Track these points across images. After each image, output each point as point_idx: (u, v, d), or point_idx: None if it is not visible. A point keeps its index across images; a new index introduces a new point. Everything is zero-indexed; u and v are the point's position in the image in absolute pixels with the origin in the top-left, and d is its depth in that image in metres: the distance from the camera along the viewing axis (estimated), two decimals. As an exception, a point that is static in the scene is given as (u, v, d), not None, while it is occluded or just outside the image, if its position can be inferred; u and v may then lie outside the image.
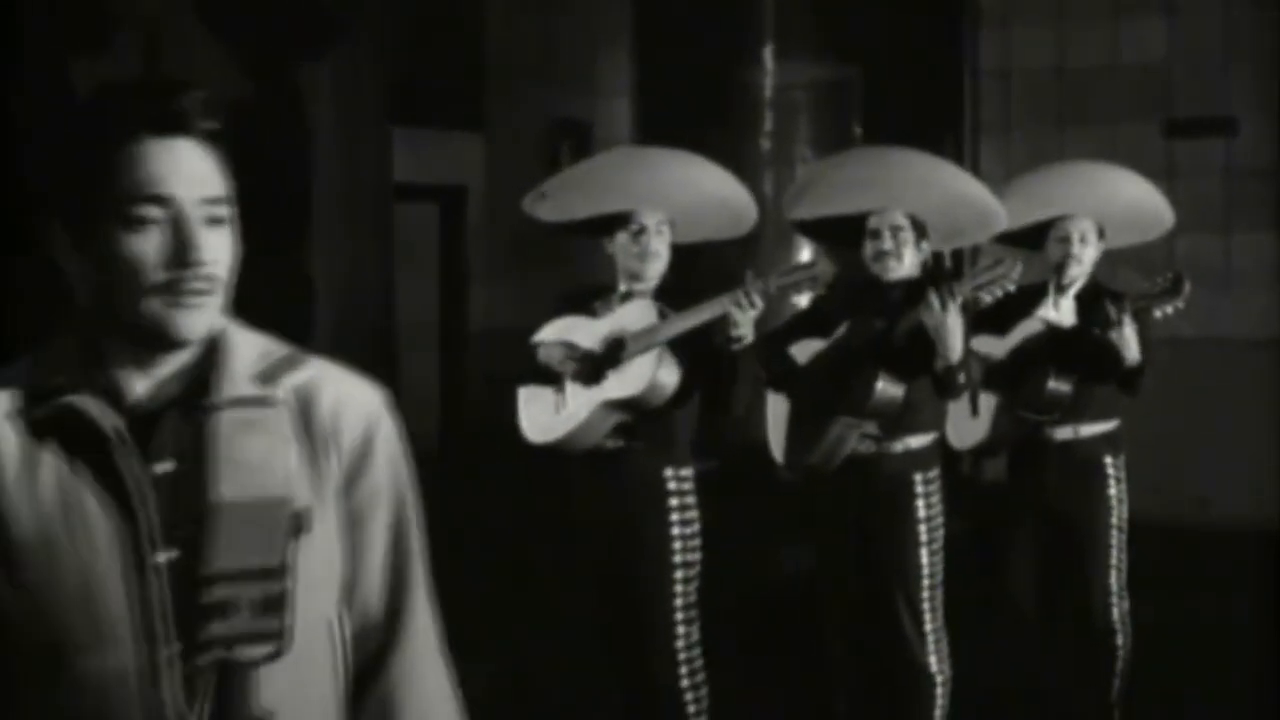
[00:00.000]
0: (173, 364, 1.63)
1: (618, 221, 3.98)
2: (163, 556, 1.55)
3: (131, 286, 1.56)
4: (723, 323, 3.77)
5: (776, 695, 5.07)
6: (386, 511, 1.70)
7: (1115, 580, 4.58)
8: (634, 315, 3.91)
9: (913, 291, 4.17)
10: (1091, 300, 4.49)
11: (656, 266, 3.99)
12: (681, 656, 3.93)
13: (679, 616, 3.93)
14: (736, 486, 5.92)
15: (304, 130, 8.23)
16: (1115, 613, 4.57)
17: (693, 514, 3.96)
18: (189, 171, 1.58)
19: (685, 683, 3.93)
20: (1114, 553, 4.58)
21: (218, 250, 1.59)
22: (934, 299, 3.97)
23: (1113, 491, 4.58)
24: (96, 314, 1.62)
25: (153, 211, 1.56)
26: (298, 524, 1.53)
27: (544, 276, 8.63)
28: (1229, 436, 7.74)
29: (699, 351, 3.86)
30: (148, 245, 1.56)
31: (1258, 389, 7.75)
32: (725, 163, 4.29)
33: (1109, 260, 4.78)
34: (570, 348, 3.95)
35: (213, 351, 1.63)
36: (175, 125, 1.58)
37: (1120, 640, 4.57)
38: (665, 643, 3.91)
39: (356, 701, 1.69)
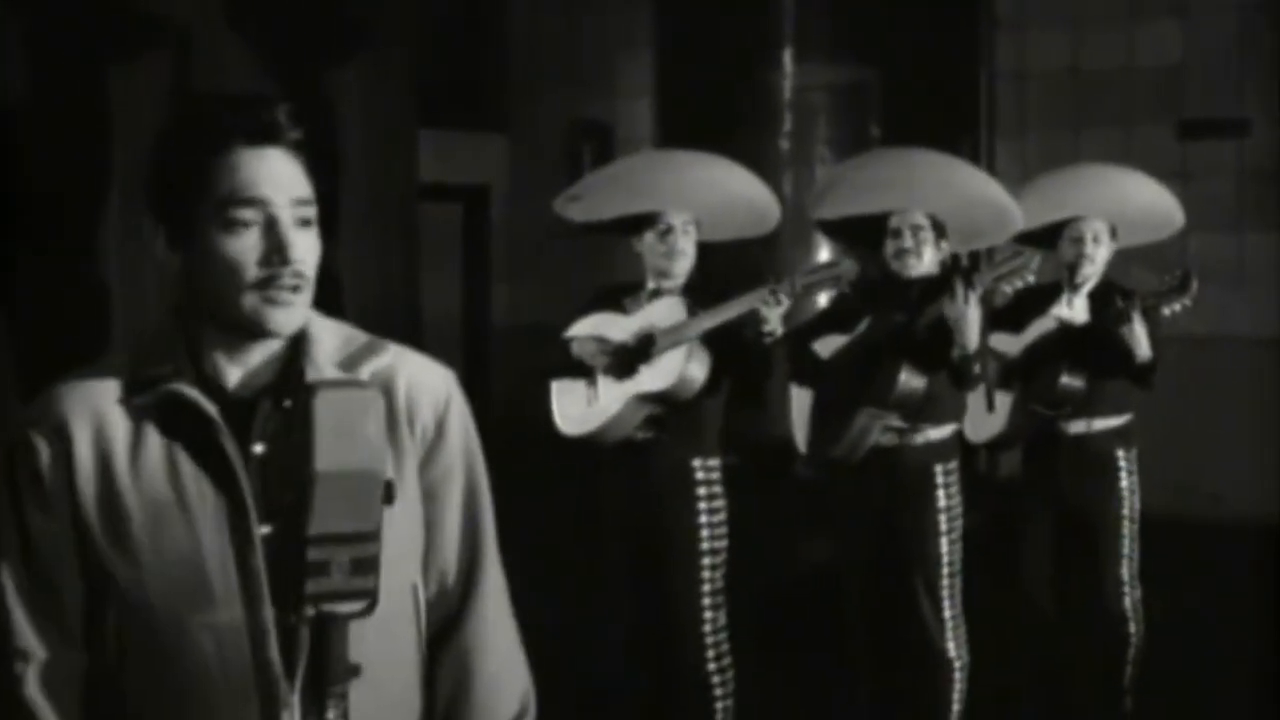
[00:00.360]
0: (263, 353, 1.78)
1: (646, 221, 4.12)
2: (262, 529, 1.71)
3: (230, 284, 1.71)
4: (753, 318, 3.91)
5: (799, 680, 5.16)
6: (459, 486, 1.85)
7: (1127, 570, 4.68)
8: (663, 311, 4.04)
9: (933, 287, 4.28)
10: (1104, 298, 4.59)
11: (683, 264, 4.13)
12: (709, 641, 4.07)
13: (706, 602, 4.07)
14: (755, 481, 6.03)
15: (332, 132, 8.36)
16: (1127, 601, 4.67)
17: (720, 503, 4.10)
18: (280, 177, 1.73)
19: (712, 666, 4.07)
20: (1126, 543, 4.68)
21: (307, 249, 1.74)
22: (958, 289, 4.10)
23: (1125, 484, 4.68)
24: (194, 308, 1.77)
25: (248, 214, 1.71)
26: (387, 494, 1.68)
27: (564, 274, 8.75)
28: (1241, 433, 7.78)
29: (730, 346, 4.00)
30: (244, 246, 1.71)
31: (1269, 386, 7.80)
32: (745, 163, 4.41)
33: (1123, 259, 4.86)
34: (602, 342, 4.09)
35: (300, 341, 1.78)
36: (267, 135, 1.73)
37: (1132, 628, 4.67)
38: (693, 627, 4.05)
39: (434, 659, 1.85)
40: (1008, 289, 4.26)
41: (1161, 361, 4.51)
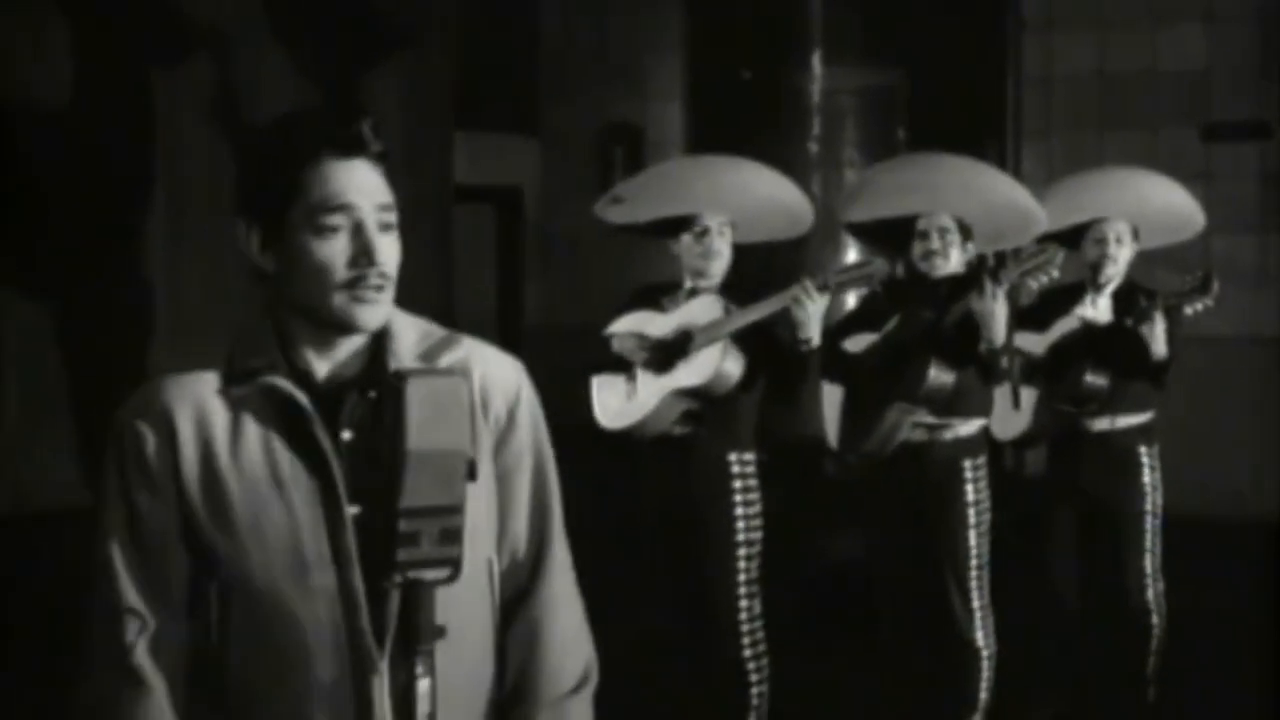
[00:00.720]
0: (349, 348, 1.94)
1: (683, 224, 4.25)
2: (351, 509, 1.86)
3: (320, 283, 1.87)
4: (790, 323, 4.03)
5: (831, 669, 5.27)
6: (529, 469, 2.01)
7: (1149, 563, 4.75)
8: (700, 309, 4.17)
9: (959, 285, 4.38)
10: (1127, 298, 4.68)
11: (719, 265, 4.25)
12: (744, 629, 4.18)
13: (742, 591, 4.18)
14: (785, 478, 6.12)
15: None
16: (1150, 594, 4.74)
17: (755, 495, 4.22)
18: (365, 185, 1.88)
19: (748, 653, 4.19)
20: (1148, 537, 4.75)
21: (389, 252, 1.89)
22: (985, 286, 4.20)
23: (1147, 479, 4.76)
24: (286, 305, 1.93)
25: (337, 220, 1.87)
26: (470, 471, 1.83)
27: (595, 274, 8.87)
28: (1265, 432, 7.85)
29: (768, 349, 4.12)
30: (334, 249, 1.86)
31: (1292, 386, 7.89)
32: (774, 165, 4.52)
33: (1147, 260, 4.94)
34: (642, 338, 4.22)
35: (383, 336, 1.94)
36: (354, 148, 1.88)
37: (1155, 620, 4.75)
38: (729, 615, 4.16)
39: (506, 627, 2.00)
40: (1033, 284, 4.36)
41: (1181, 361, 4.58)
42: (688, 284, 4.28)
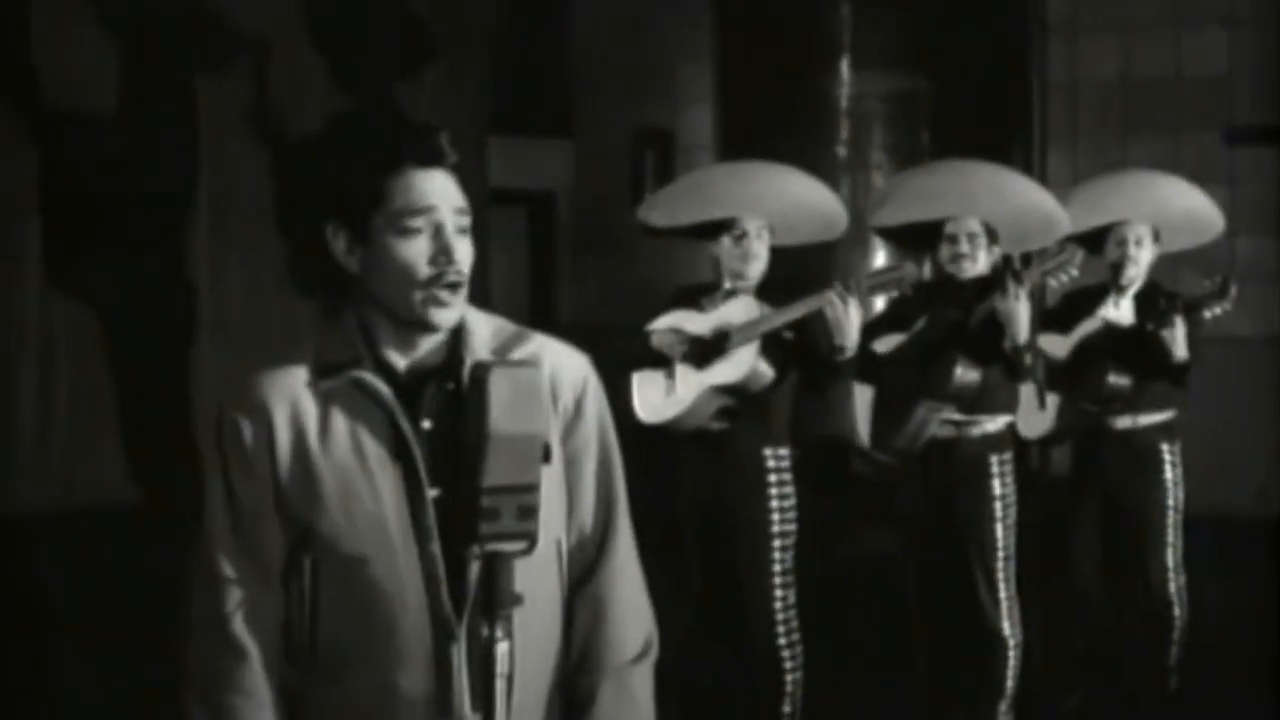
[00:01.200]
0: (429, 343, 2.11)
1: (722, 227, 4.39)
2: (431, 491, 2.03)
3: (402, 282, 2.04)
4: (825, 326, 4.18)
5: (861, 660, 5.40)
6: (595, 454, 2.18)
7: (1172, 557, 4.86)
8: (738, 309, 4.31)
9: (985, 285, 4.51)
10: (1149, 300, 4.78)
11: (757, 267, 4.39)
12: (779, 617, 4.33)
13: (776, 581, 4.33)
14: (815, 474, 6.24)
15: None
16: (1172, 586, 4.86)
17: (789, 489, 4.36)
18: (444, 191, 2.06)
19: (782, 640, 4.34)
20: (1170, 532, 4.86)
21: (465, 253, 2.07)
22: (1009, 286, 4.32)
23: (1169, 476, 4.86)
24: (371, 303, 2.10)
25: (419, 222, 2.04)
26: (545, 453, 1.99)
27: (626, 276, 9.01)
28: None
29: (802, 350, 4.27)
30: (416, 249, 2.04)
31: (1314, 385, 7.96)
32: (802, 169, 4.66)
33: (1172, 263, 5.05)
34: (680, 334, 4.38)
35: (459, 331, 2.11)
36: (433, 159, 2.06)
37: (1177, 611, 4.86)
38: (764, 604, 4.32)
39: (573, 600, 2.18)
40: (1054, 283, 4.50)
41: (1203, 361, 4.67)
42: (726, 285, 4.42)
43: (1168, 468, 4.89)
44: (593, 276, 9.83)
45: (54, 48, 7.90)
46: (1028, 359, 4.38)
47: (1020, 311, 4.32)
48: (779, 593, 4.33)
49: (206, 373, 8.48)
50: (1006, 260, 4.75)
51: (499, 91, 9.36)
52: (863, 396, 4.75)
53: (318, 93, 8.79)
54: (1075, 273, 4.47)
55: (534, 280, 10.01)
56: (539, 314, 9.71)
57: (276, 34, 8.66)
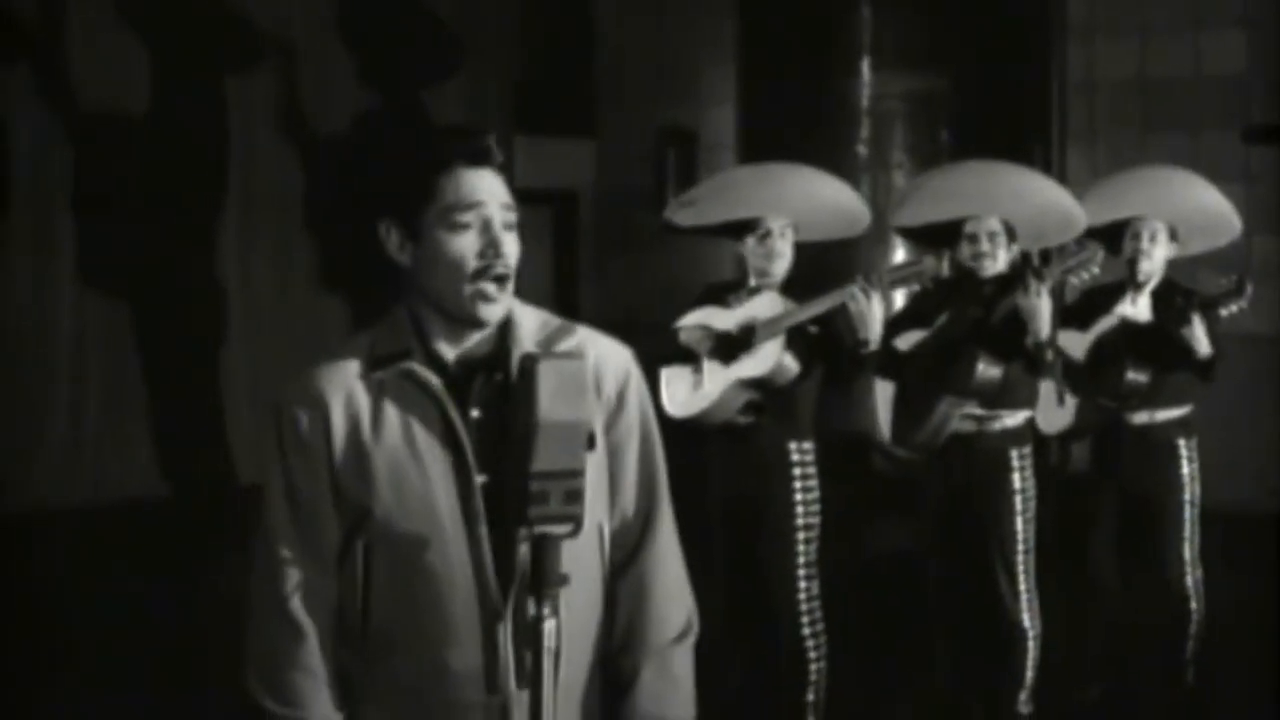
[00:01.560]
0: (477, 336, 2.21)
1: (747, 226, 4.48)
2: (480, 479, 2.14)
3: (452, 276, 2.14)
4: (848, 321, 4.27)
5: (883, 652, 5.48)
6: (637, 444, 2.28)
7: (1188, 551, 4.91)
8: (763, 306, 4.40)
9: (1005, 282, 4.57)
10: (1166, 298, 4.83)
11: (782, 265, 4.48)
12: (803, 608, 4.42)
13: (801, 572, 4.41)
14: (836, 469, 6.29)
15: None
16: (1189, 580, 4.91)
17: (813, 482, 4.45)
18: (493, 188, 2.16)
19: (807, 631, 4.42)
20: (1187, 526, 4.91)
21: (513, 247, 2.17)
22: (1030, 283, 4.40)
23: (1185, 470, 4.90)
24: (422, 296, 2.20)
25: (468, 217, 2.14)
26: (590, 441, 2.09)
27: (648, 274, 9.10)
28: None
29: (825, 345, 4.35)
30: (465, 243, 2.14)
31: (1329, 383, 7.99)
32: (823, 167, 4.73)
33: (1191, 263, 5.08)
34: (707, 330, 4.48)
35: (506, 325, 2.21)
36: (482, 159, 2.16)
37: (1194, 605, 4.90)
38: (789, 595, 4.40)
39: (617, 582, 2.28)
40: (1074, 280, 4.57)
41: (1223, 356, 4.70)
42: (751, 282, 4.51)
43: (1184, 462, 4.94)
44: (615, 275, 9.90)
45: (90, 54, 8.04)
46: (1049, 355, 4.46)
47: (1042, 308, 4.39)
48: (803, 584, 4.42)
49: (236, 369, 8.62)
50: (1027, 257, 4.80)
51: (524, 92, 9.47)
52: (884, 392, 4.81)
53: (346, 94, 8.92)
54: (1096, 270, 4.53)
55: (557, 278, 10.09)
56: (562, 312, 9.71)
57: (304, 37, 8.79)
